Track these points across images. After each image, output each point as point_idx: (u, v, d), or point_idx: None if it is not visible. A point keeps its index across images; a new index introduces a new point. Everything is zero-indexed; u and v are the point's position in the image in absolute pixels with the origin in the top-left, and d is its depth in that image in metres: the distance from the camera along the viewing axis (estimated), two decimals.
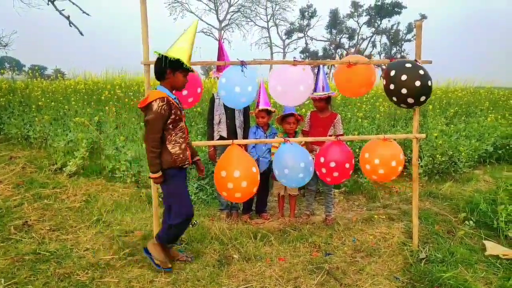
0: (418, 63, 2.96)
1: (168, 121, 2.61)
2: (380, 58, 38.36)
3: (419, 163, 5.23)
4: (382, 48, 40.84)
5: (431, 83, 2.89)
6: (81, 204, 4.18)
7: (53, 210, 3.99)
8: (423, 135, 3.31)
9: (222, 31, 37.05)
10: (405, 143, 5.84)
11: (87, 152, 5.31)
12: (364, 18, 40.30)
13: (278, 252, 3.24)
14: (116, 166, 4.91)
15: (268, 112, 3.87)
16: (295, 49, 41.86)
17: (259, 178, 3.00)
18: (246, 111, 4.01)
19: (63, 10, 7.07)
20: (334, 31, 41.25)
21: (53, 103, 7.49)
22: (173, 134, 2.66)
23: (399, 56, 38.24)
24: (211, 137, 3.93)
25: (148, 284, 2.70)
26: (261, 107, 3.80)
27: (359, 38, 41.29)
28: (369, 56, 37.89)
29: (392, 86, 2.92)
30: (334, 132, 3.88)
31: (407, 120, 7.38)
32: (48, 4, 7.29)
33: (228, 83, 2.97)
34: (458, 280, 2.68)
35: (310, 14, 40.74)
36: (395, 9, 38.40)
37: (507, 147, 6.52)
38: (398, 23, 39.24)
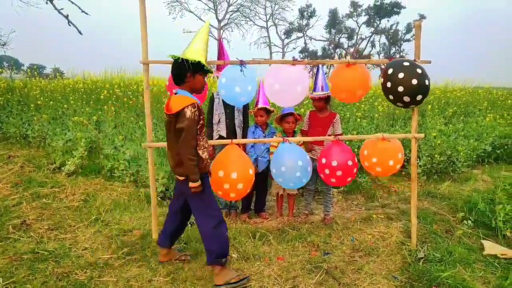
0: (416, 62, 2.97)
1: (198, 127, 2.53)
2: (379, 58, 38.43)
3: (417, 163, 5.24)
4: (381, 48, 40.91)
5: (429, 82, 2.89)
6: (79, 203, 4.17)
7: (52, 209, 3.99)
8: (422, 135, 3.32)
9: (221, 31, 37.04)
10: (403, 142, 5.84)
11: (86, 151, 5.30)
12: (363, 18, 40.36)
13: (277, 251, 3.24)
14: (115, 165, 4.91)
15: (267, 111, 3.87)
16: (294, 48, 41.92)
17: (254, 179, 3.01)
18: (245, 110, 4.01)
19: (61, 9, 7.05)
20: (333, 31, 41.26)
21: (51, 102, 7.49)
22: (201, 140, 2.58)
23: (398, 56, 38.29)
24: (210, 137, 3.93)
25: (146, 283, 2.70)
26: (260, 105, 3.80)
27: (358, 38, 41.33)
28: (368, 56, 37.93)
29: (389, 84, 2.92)
30: (333, 131, 3.88)
31: (406, 120, 7.40)
32: (46, 3, 7.26)
33: (227, 82, 2.97)
34: (456, 280, 2.69)
35: (309, 13, 40.75)
36: (394, 9, 38.45)
37: (506, 147, 6.54)
38: (397, 23, 39.32)
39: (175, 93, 2.59)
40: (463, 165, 5.54)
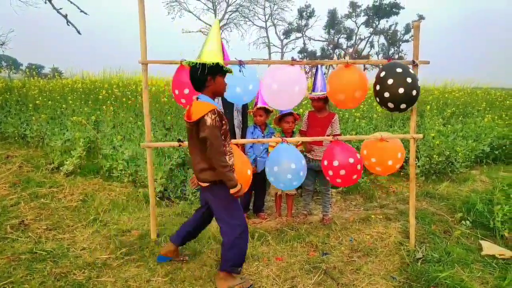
0: (411, 70, 2.95)
1: (221, 132, 2.48)
2: (378, 58, 38.49)
3: (416, 163, 5.24)
4: (380, 49, 40.98)
5: (417, 92, 2.88)
6: (78, 204, 4.16)
7: (50, 209, 3.98)
8: (420, 135, 3.32)
9: (221, 31, 37.00)
10: (402, 143, 5.85)
11: (84, 151, 5.29)
12: (362, 19, 40.41)
13: (276, 251, 3.24)
14: (113, 165, 4.90)
15: (266, 111, 3.87)
16: (293, 49, 41.94)
17: (251, 180, 3.00)
18: (244, 110, 4.01)
19: (60, 8, 7.05)
20: (332, 31, 41.30)
21: (50, 102, 7.47)
22: (226, 145, 2.54)
23: (396, 56, 38.35)
24: None
25: (145, 284, 2.70)
26: (259, 105, 3.80)
27: (357, 38, 41.38)
28: (367, 57, 38.00)
29: (378, 87, 2.97)
30: (331, 132, 3.88)
31: (405, 120, 7.41)
32: (45, 2, 7.26)
33: (228, 82, 2.98)
34: (455, 280, 2.69)
35: (308, 14, 40.78)
36: (393, 9, 38.50)
37: (504, 148, 6.56)
38: (396, 23, 39.38)
39: (196, 98, 2.52)
40: (462, 165, 5.56)
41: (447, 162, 5.50)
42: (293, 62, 3.04)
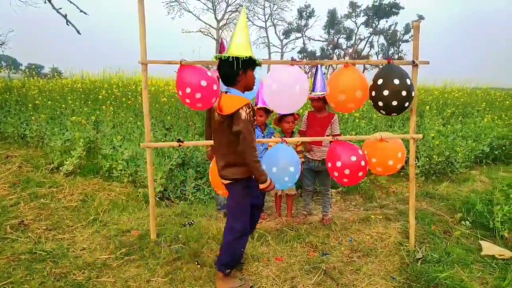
0: (409, 80, 2.96)
1: (252, 127, 2.43)
2: (377, 58, 38.49)
3: (416, 164, 5.25)
4: (379, 49, 41.02)
5: (409, 104, 2.98)
6: (77, 204, 4.16)
7: (50, 209, 3.98)
8: (420, 136, 3.32)
9: (220, 31, 37.02)
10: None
11: (84, 151, 5.29)
12: (361, 19, 40.48)
13: (275, 252, 3.24)
14: (113, 165, 4.90)
15: (266, 111, 3.87)
16: (293, 49, 42.01)
17: None
18: None
19: (60, 8, 7.04)
20: (332, 31, 41.34)
21: (49, 102, 7.47)
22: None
23: (396, 56, 38.37)
24: (209, 137, 3.92)
25: (145, 284, 2.70)
26: (259, 105, 3.80)
27: (357, 38, 41.42)
28: (367, 57, 38.02)
29: (373, 93, 3.03)
30: (331, 132, 3.88)
31: (404, 120, 7.41)
32: (45, 2, 7.26)
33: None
34: (454, 280, 2.70)
35: (308, 14, 40.84)
36: (393, 9, 38.55)
37: (503, 148, 6.56)
38: (396, 23, 39.43)
39: (225, 92, 2.47)
40: (461, 166, 5.56)
41: (447, 162, 5.50)
42: (292, 62, 3.04)
